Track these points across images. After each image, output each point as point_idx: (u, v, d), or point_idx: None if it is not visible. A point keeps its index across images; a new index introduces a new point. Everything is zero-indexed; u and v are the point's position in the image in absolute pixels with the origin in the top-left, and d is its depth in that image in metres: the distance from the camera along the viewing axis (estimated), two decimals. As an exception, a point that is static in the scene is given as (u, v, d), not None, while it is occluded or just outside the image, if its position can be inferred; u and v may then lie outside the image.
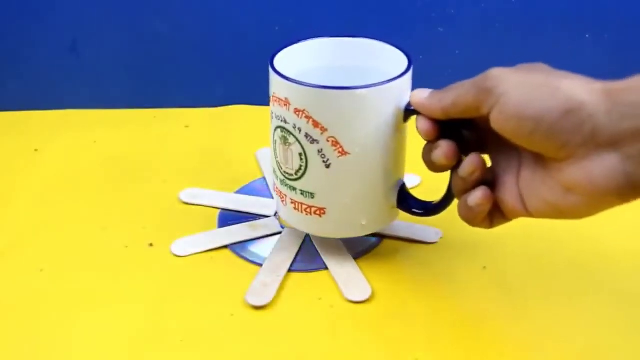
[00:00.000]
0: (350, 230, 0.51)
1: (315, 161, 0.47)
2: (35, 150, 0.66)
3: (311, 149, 0.47)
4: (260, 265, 0.51)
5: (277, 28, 0.69)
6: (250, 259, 0.52)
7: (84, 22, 0.70)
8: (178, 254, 0.53)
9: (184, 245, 0.53)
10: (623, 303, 0.48)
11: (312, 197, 0.49)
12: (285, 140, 0.48)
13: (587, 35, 0.69)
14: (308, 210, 0.50)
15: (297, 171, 0.48)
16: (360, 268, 0.51)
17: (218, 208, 0.57)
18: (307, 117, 0.46)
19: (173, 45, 0.71)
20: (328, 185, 0.48)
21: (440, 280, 0.50)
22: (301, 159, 0.48)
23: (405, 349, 0.45)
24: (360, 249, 0.53)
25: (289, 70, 0.48)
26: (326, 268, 0.51)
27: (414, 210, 0.50)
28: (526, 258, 0.52)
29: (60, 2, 0.69)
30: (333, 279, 0.50)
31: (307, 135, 0.47)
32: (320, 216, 0.49)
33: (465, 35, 0.69)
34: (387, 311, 0.48)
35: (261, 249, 0.53)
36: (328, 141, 0.47)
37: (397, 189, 0.50)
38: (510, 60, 0.70)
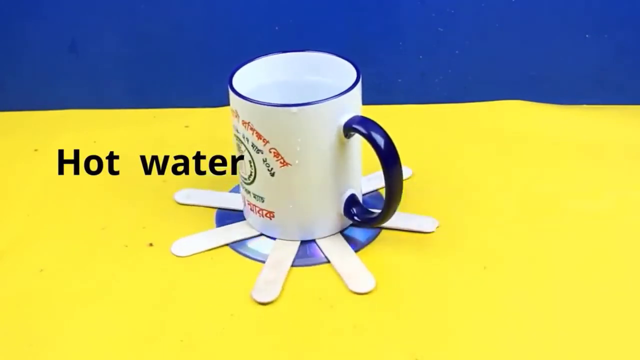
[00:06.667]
0: (298, 234, 0.53)
1: (261, 169, 0.50)
2: (35, 150, 0.66)
3: (258, 158, 0.50)
4: (262, 261, 0.51)
5: (277, 28, 0.69)
6: (252, 256, 0.52)
7: (83, 22, 0.70)
8: (179, 255, 0.53)
9: (184, 245, 0.53)
10: (625, 303, 0.47)
11: (263, 201, 0.52)
12: (239, 148, 0.52)
13: (587, 35, 0.69)
14: (260, 212, 0.53)
15: (249, 176, 0.52)
16: (362, 260, 0.51)
17: (215, 207, 0.57)
18: (251, 129, 0.49)
19: (173, 46, 0.71)
20: (274, 192, 0.51)
21: (440, 274, 0.50)
22: (250, 165, 0.51)
23: (405, 350, 0.45)
24: (360, 241, 0.53)
25: (253, 83, 0.52)
26: (328, 262, 0.51)
27: (354, 218, 0.52)
28: (526, 258, 0.51)
29: (60, 2, 0.69)
30: (336, 273, 0.50)
31: (253, 145, 0.50)
32: (270, 219, 0.52)
33: (465, 35, 0.69)
34: (389, 305, 0.48)
35: (261, 245, 0.53)
36: (270, 152, 0.49)
37: (344, 198, 0.52)
38: (510, 60, 0.71)
